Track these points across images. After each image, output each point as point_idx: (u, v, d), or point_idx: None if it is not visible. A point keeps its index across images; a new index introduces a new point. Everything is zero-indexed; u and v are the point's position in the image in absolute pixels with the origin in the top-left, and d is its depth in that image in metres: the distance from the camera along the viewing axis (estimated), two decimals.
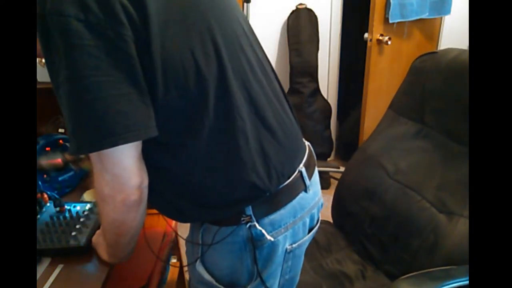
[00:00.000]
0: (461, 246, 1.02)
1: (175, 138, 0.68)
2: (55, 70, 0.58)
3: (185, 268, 0.87)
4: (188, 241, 0.84)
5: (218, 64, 0.68)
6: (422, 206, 1.15)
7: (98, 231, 0.92)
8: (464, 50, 1.20)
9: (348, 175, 1.45)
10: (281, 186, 0.76)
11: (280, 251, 0.79)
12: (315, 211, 0.87)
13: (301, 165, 0.81)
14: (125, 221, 0.71)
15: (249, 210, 0.74)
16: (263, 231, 0.75)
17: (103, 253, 0.88)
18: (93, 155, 0.63)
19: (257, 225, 0.74)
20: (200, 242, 0.79)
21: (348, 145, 2.72)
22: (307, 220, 0.84)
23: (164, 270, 1.30)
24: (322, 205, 0.91)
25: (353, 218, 1.35)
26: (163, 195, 0.76)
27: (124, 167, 0.63)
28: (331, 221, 1.48)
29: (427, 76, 1.26)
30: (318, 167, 0.89)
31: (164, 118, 0.64)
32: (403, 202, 1.20)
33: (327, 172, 2.03)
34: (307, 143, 0.90)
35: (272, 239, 0.76)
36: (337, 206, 1.46)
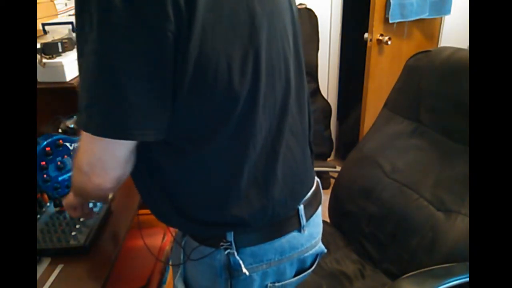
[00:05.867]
0: (459, 243, 1.02)
1: (181, 141, 0.64)
2: (83, 37, 0.54)
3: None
4: (176, 241, 0.83)
5: (252, 87, 0.63)
6: (419, 205, 1.15)
7: None
8: (458, 49, 1.20)
9: (345, 174, 1.45)
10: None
11: (257, 286, 0.75)
12: (308, 255, 0.80)
13: (301, 203, 0.77)
14: (91, 194, 0.68)
15: (230, 236, 0.70)
16: (241, 262, 0.70)
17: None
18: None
19: (235, 254, 0.70)
20: (182, 249, 0.77)
21: (348, 145, 2.72)
22: (296, 262, 0.79)
23: (164, 270, 1.31)
24: (322, 252, 0.85)
25: (351, 218, 1.35)
26: (149, 190, 0.73)
27: (113, 156, 0.60)
28: (328, 220, 1.48)
29: (422, 74, 1.26)
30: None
31: (178, 118, 0.60)
32: (401, 200, 1.20)
33: (327, 172, 2.02)
34: (316, 179, 0.85)
35: (247, 272, 0.71)
36: (334, 205, 1.46)
